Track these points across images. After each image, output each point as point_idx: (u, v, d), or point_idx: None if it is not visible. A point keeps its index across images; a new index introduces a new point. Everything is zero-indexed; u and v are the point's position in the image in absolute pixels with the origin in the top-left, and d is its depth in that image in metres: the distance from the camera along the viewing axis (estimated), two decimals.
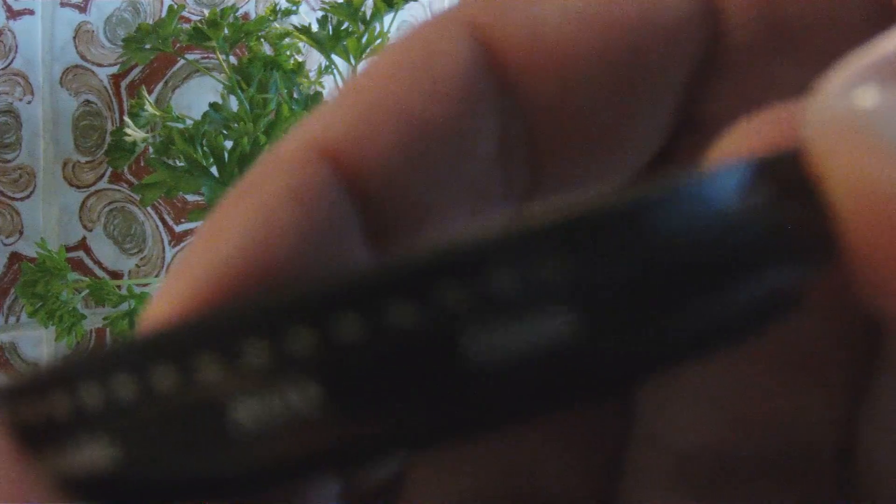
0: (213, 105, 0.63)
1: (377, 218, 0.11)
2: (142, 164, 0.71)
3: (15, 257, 0.69)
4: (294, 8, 0.70)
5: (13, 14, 0.68)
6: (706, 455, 0.12)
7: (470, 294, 0.07)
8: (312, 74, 0.70)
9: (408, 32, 0.12)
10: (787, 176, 0.08)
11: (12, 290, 0.68)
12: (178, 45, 0.69)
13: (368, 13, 0.65)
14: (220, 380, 0.08)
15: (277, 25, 0.68)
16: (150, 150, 0.65)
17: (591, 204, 0.08)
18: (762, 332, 0.09)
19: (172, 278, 0.10)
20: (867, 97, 0.08)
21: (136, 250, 0.74)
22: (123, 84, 0.73)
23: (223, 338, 0.08)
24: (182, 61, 0.73)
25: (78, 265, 0.71)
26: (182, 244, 0.76)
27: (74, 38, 0.71)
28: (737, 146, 0.09)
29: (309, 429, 0.08)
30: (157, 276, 0.75)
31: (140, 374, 0.08)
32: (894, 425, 0.11)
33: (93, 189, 0.72)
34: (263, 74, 0.64)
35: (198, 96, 0.74)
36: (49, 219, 0.71)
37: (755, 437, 0.12)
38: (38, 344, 0.71)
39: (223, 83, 0.66)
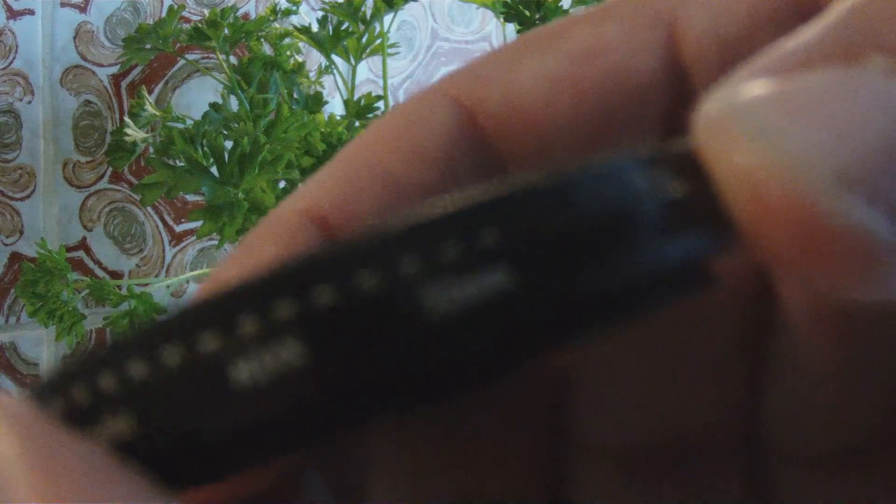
0: (213, 105, 0.63)
1: None
2: (142, 164, 0.71)
3: (15, 257, 0.69)
4: (294, 8, 0.70)
5: (13, 14, 0.68)
6: (630, 450, 0.13)
7: (423, 260, 0.09)
8: (312, 74, 0.70)
9: (397, 105, 0.12)
10: (689, 168, 0.10)
11: (12, 290, 0.68)
12: (178, 45, 0.69)
13: (368, 13, 0.65)
14: (219, 348, 0.09)
15: (277, 25, 0.68)
16: (151, 150, 0.65)
17: (518, 184, 0.09)
18: (674, 301, 0.10)
19: None
20: (741, 94, 0.09)
21: (136, 250, 0.74)
22: (124, 84, 0.73)
23: (220, 315, 0.09)
24: (182, 61, 0.73)
25: (78, 265, 0.71)
26: (182, 244, 0.76)
27: (74, 38, 0.71)
28: None
29: (298, 382, 0.09)
30: (157, 276, 0.75)
31: (151, 354, 0.10)
32: (793, 406, 0.13)
33: (93, 189, 0.72)
34: (263, 74, 0.64)
35: (198, 96, 0.74)
36: (49, 219, 0.71)
37: (668, 431, 0.13)
38: (39, 344, 0.71)
39: (223, 83, 0.66)
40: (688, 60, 0.12)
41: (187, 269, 0.76)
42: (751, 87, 0.09)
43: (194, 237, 0.76)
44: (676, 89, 0.12)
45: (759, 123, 0.09)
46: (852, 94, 0.09)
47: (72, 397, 0.10)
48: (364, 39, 0.66)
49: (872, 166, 0.09)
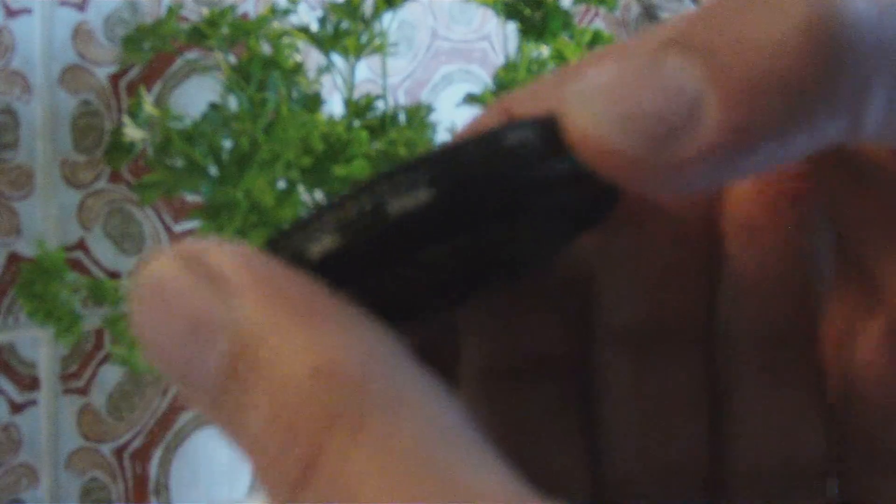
0: (212, 105, 0.63)
1: None
2: (141, 163, 0.70)
3: (13, 257, 0.69)
4: (293, 7, 0.70)
5: (11, 13, 0.68)
6: (639, 326, 0.19)
7: (390, 187, 0.15)
8: (312, 74, 0.69)
9: None
10: (554, 130, 0.15)
11: (10, 291, 0.68)
12: (176, 44, 0.68)
13: (368, 12, 0.65)
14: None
15: (277, 24, 0.68)
16: (149, 149, 0.65)
17: (438, 149, 0.16)
18: (574, 236, 0.18)
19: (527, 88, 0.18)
20: (582, 82, 0.15)
21: (134, 250, 0.74)
22: (122, 83, 0.73)
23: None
24: (181, 61, 0.73)
25: (76, 265, 0.71)
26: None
27: (73, 37, 0.71)
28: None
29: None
30: None
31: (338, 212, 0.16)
32: (753, 429, 0.19)
33: (91, 189, 0.72)
34: (262, 74, 0.64)
35: (197, 96, 0.74)
36: (47, 219, 0.70)
37: (665, 319, 0.19)
38: (37, 344, 0.71)
39: (222, 83, 0.66)
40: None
41: None
42: (589, 76, 0.15)
43: (193, 237, 0.76)
44: None
45: (587, 98, 0.15)
46: (641, 77, 0.14)
47: (290, 239, 0.15)
48: (363, 38, 0.66)
49: (640, 122, 0.14)
